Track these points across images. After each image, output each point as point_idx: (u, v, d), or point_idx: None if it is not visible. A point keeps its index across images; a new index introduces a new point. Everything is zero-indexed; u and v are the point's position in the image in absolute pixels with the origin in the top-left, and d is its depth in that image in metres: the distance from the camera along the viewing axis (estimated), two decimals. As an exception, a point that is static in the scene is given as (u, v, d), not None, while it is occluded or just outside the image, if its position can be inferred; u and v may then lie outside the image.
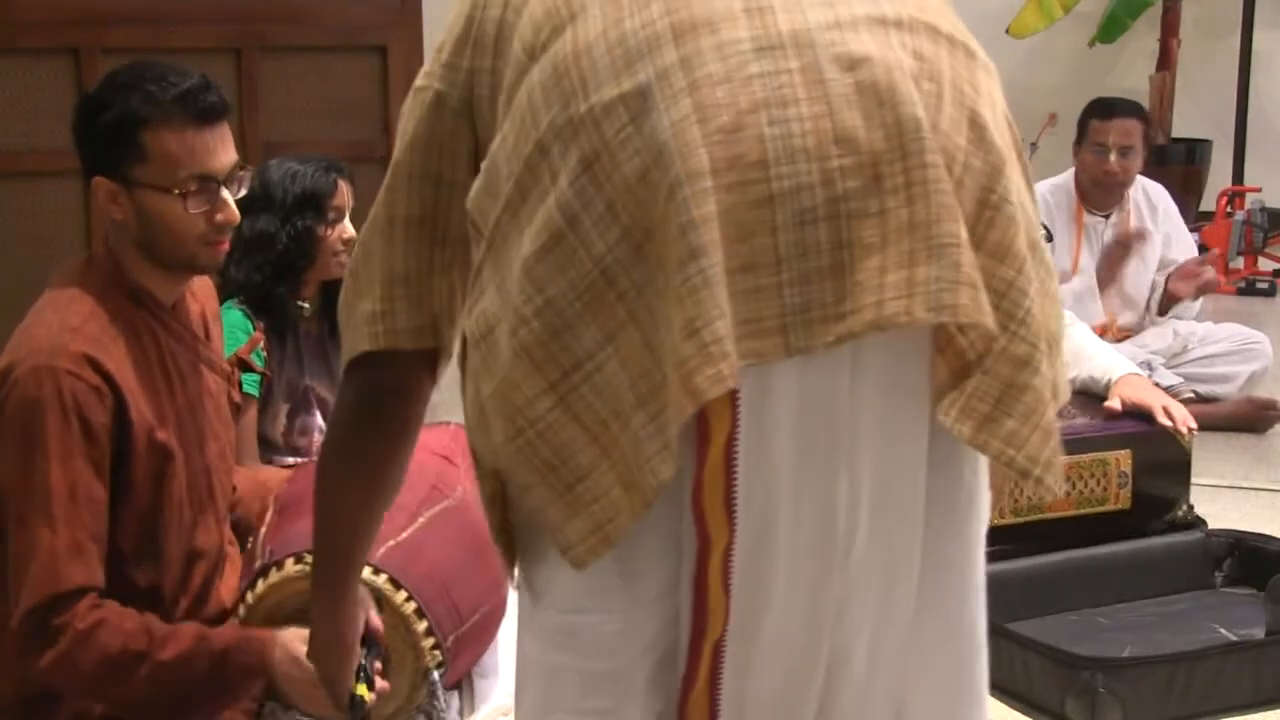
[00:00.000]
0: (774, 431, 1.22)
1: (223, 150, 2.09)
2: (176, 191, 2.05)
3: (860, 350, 1.22)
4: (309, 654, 1.81)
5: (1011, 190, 1.26)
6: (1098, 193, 4.55)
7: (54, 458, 1.97)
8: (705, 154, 1.18)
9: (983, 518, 1.36)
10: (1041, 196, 4.56)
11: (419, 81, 1.39)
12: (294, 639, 2.05)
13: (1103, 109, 4.57)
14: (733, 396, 1.19)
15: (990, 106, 1.29)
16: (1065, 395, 1.34)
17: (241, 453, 2.80)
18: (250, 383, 2.97)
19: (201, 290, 2.30)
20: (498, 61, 1.33)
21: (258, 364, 2.97)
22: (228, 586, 2.29)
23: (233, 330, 2.90)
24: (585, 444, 1.23)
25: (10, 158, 4.54)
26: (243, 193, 2.15)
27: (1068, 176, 4.64)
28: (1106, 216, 4.62)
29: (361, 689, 1.87)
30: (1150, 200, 4.69)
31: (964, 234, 1.21)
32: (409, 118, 1.39)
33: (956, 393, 1.23)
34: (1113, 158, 4.47)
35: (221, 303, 2.97)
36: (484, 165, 1.31)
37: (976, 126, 1.25)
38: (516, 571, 1.37)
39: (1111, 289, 4.62)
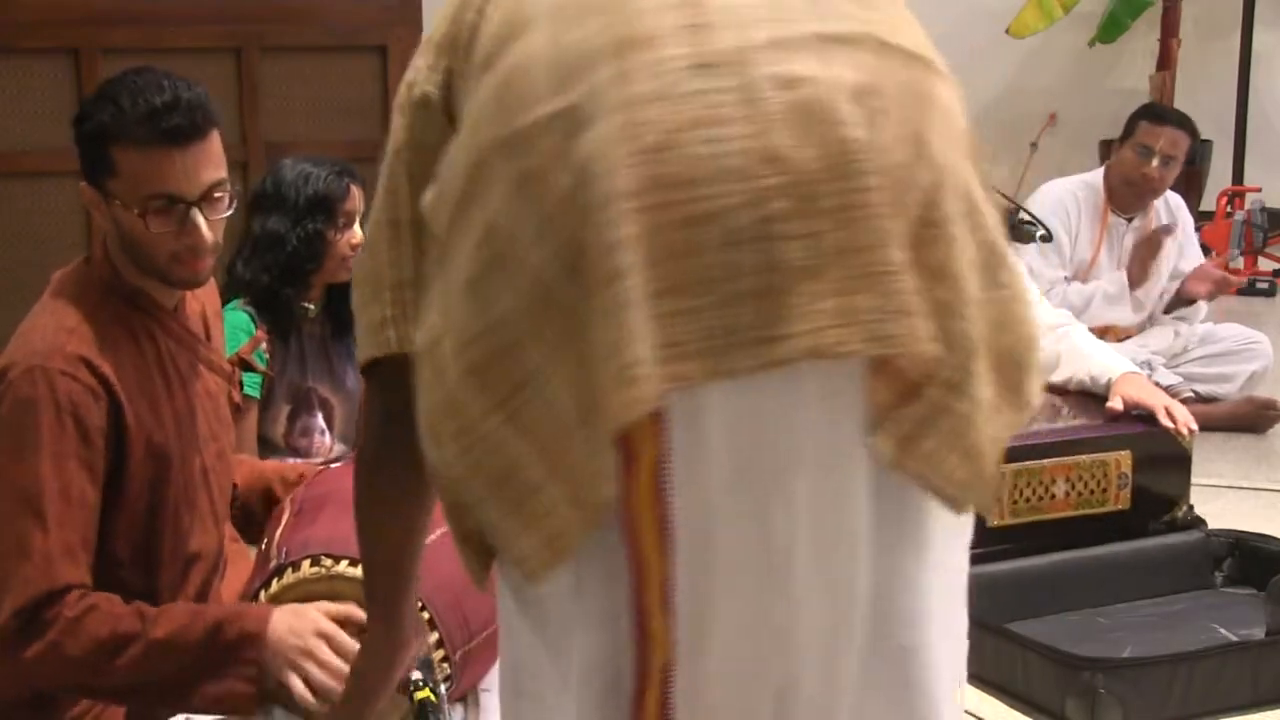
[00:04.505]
0: (706, 455, 1.20)
1: (195, 171, 2.02)
2: (137, 211, 2.02)
3: (796, 374, 1.19)
4: (355, 664, 1.75)
5: (954, 208, 1.23)
6: (1128, 194, 4.56)
7: (47, 458, 1.96)
8: (630, 174, 1.16)
9: (941, 542, 1.31)
10: (1070, 192, 4.61)
11: (407, 75, 1.38)
12: (290, 612, 2.01)
13: (1157, 114, 4.63)
14: (659, 419, 1.18)
15: (943, 119, 1.26)
16: (1031, 406, 1.30)
17: (241, 454, 2.80)
18: (252, 384, 2.97)
19: (203, 289, 2.27)
20: (468, 65, 1.32)
21: (259, 364, 2.96)
22: (229, 589, 2.29)
23: (235, 331, 2.90)
24: (535, 460, 1.22)
25: (10, 158, 4.54)
26: (230, 211, 2.11)
27: (1097, 175, 4.66)
28: (1130, 220, 4.64)
29: (424, 693, 1.89)
30: (1170, 210, 4.74)
31: (901, 258, 1.19)
32: (398, 116, 1.38)
33: (884, 414, 1.21)
34: (1155, 163, 4.50)
35: (227, 302, 2.97)
36: (436, 175, 1.30)
37: (922, 142, 1.22)
38: (499, 577, 1.36)
39: (1140, 290, 4.63)
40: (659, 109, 1.18)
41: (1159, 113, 4.66)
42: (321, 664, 1.99)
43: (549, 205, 1.19)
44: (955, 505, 1.25)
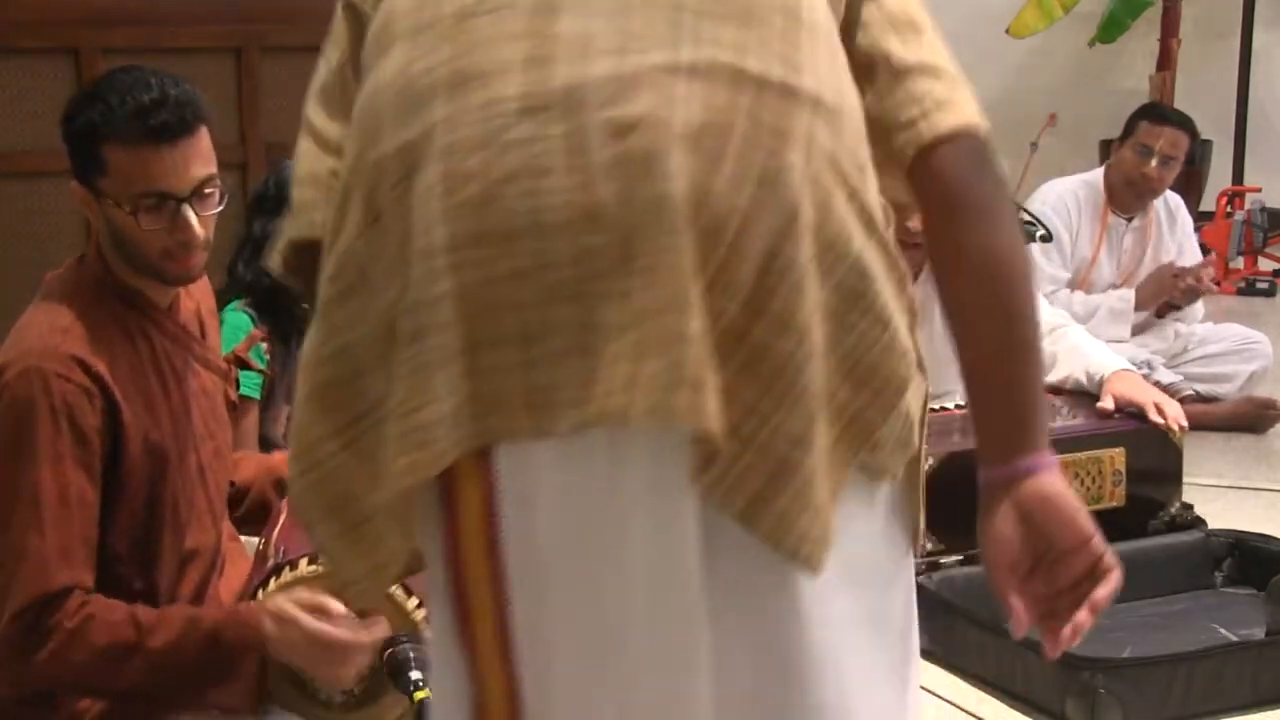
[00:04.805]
0: (535, 512, 1.18)
1: (184, 168, 2.03)
2: (128, 209, 2.02)
3: (623, 435, 1.15)
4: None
5: (804, 252, 1.17)
6: (1127, 194, 4.58)
7: (44, 461, 1.96)
8: (448, 229, 1.15)
9: (822, 597, 1.23)
10: (1070, 191, 4.64)
11: None
12: (282, 602, 2.02)
13: (1157, 114, 4.65)
14: (483, 470, 1.16)
15: (803, 150, 1.18)
16: (886, 453, 1.24)
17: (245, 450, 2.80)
18: (252, 385, 2.97)
19: (197, 287, 2.28)
20: (364, 40, 1.32)
21: (257, 362, 2.96)
22: (228, 586, 2.29)
23: (235, 331, 2.91)
24: (370, 490, 1.21)
25: (10, 158, 4.54)
26: (220, 207, 2.10)
27: (1097, 174, 4.68)
28: (1129, 220, 4.65)
29: (424, 693, 1.92)
30: (1170, 209, 4.76)
31: (696, 326, 1.13)
32: (339, 8, 1.37)
33: (726, 470, 1.16)
34: (1154, 163, 4.51)
35: (228, 303, 2.97)
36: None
37: (770, 182, 1.16)
38: None
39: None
40: (481, 158, 1.15)
41: (1159, 113, 4.68)
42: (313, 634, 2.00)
43: (390, 246, 1.19)
44: (807, 564, 1.18)
